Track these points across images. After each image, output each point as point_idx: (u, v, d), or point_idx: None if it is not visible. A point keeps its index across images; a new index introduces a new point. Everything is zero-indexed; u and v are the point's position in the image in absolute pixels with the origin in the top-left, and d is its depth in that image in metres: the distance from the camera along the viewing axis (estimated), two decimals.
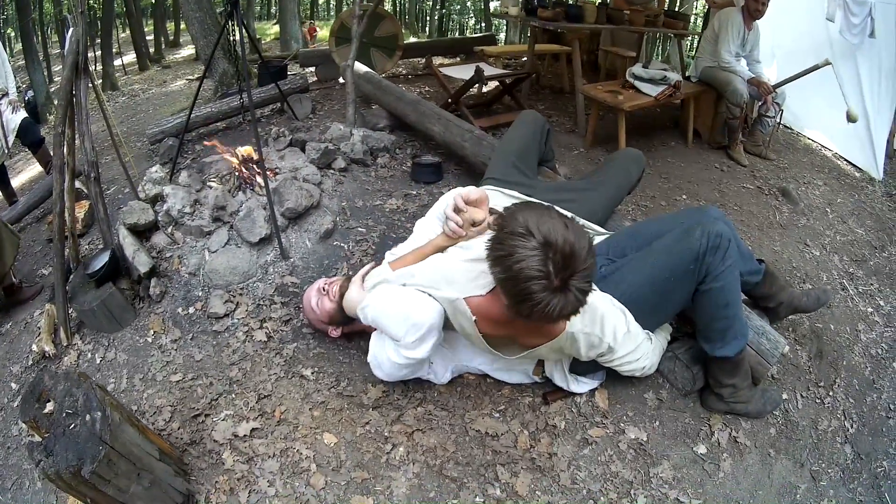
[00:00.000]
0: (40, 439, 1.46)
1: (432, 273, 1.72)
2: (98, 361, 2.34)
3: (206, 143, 3.09)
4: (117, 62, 10.46)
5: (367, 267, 2.00)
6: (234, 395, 2.09)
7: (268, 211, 2.60)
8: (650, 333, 1.90)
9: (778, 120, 4.15)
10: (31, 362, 2.40)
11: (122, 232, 2.60)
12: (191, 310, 2.43)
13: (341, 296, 2.02)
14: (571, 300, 1.34)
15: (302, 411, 2.02)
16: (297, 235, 2.70)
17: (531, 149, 2.45)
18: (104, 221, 2.51)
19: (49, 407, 1.52)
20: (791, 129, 5.01)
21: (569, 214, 1.51)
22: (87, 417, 1.46)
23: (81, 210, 3.18)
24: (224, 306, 2.38)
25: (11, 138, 3.99)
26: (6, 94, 3.99)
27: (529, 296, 1.32)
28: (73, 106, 2.34)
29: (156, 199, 2.88)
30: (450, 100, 4.18)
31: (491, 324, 1.68)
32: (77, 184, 3.44)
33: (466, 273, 1.68)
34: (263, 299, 2.43)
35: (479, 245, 1.66)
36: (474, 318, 1.66)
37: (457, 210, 1.80)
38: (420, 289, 1.70)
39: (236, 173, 2.95)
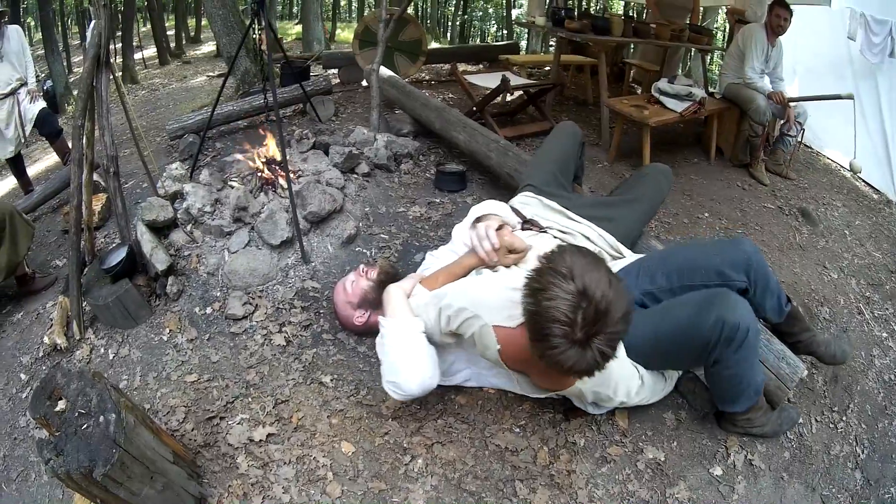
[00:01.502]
0: (49, 436, 1.42)
1: (464, 294, 1.67)
2: (111, 357, 2.29)
3: (239, 156, 3.03)
4: (137, 56, 10.50)
5: (410, 283, 1.89)
6: (250, 399, 2.03)
7: (290, 214, 2.56)
8: (666, 373, 1.88)
9: (799, 139, 4.12)
10: (41, 354, 2.36)
11: (140, 228, 2.56)
12: (208, 310, 2.38)
13: (379, 283, 2.03)
14: (588, 359, 1.29)
15: (320, 418, 1.96)
16: (318, 240, 2.66)
17: (570, 161, 2.40)
18: (122, 216, 2.48)
19: (61, 405, 1.47)
20: (811, 147, 4.95)
21: (617, 273, 1.42)
22: (101, 419, 1.41)
23: (98, 203, 3.15)
24: (242, 308, 2.33)
25: (29, 128, 3.96)
26: (25, 84, 3.97)
27: (548, 338, 1.29)
28: (93, 99, 2.30)
29: (175, 197, 2.84)
30: (474, 108, 4.14)
31: (514, 357, 1.65)
32: (94, 176, 3.46)
33: (501, 300, 1.62)
34: (283, 303, 2.38)
35: (521, 274, 1.61)
36: (499, 346, 1.63)
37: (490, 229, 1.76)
38: (448, 311, 1.67)
39: (258, 174, 2.91)
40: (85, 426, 1.40)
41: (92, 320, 2.43)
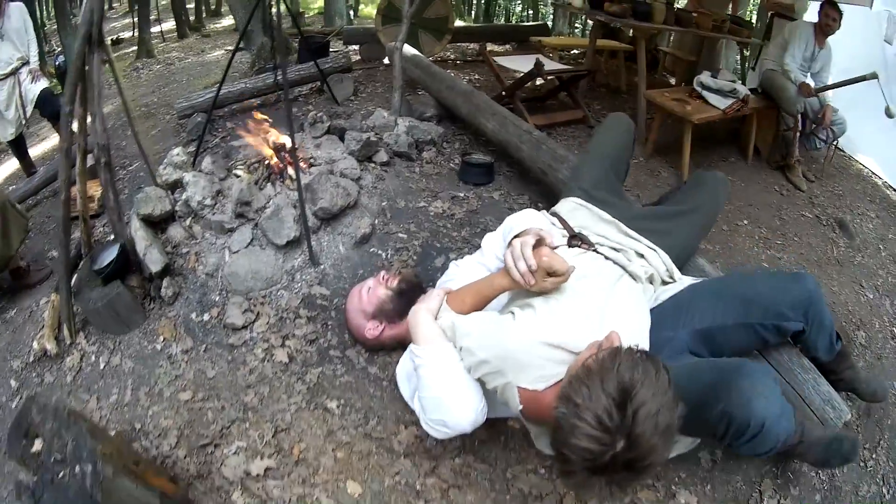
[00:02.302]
0: (27, 478, 1.31)
1: (489, 343, 1.42)
2: (102, 367, 2.10)
3: (240, 132, 2.80)
4: (155, 29, 10.26)
5: (436, 302, 1.61)
6: (248, 425, 1.82)
7: (298, 210, 2.31)
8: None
9: (830, 147, 3.95)
10: (32, 359, 2.18)
11: (134, 223, 2.34)
12: (206, 316, 2.17)
13: (399, 292, 1.83)
14: (600, 489, 1.09)
15: (324, 451, 1.74)
16: (329, 238, 2.41)
17: (623, 160, 2.14)
18: (114, 211, 2.25)
19: (37, 445, 1.37)
20: (843, 151, 4.69)
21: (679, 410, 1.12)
22: (77, 469, 1.29)
23: (97, 189, 2.94)
24: (243, 316, 2.11)
25: (30, 109, 3.77)
26: (27, 63, 3.77)
27: (564, 453, 1.09)
28: (84, 82, 2.06)
29: (175, 186, 2.62)
30: (503, 92, 3.82)
31: (537, 416, 1.45)
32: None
33: (531, 357, 1.38)
34: (287, 311, 2.15)
35: (564, 333, 1.38)
36: (521, 406, 1.40)
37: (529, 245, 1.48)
38: (470, 358, 1.43)
39: (266, 162, 2.66)
40: (61, 474, 1.30)
41: (84, 323, 2.24)
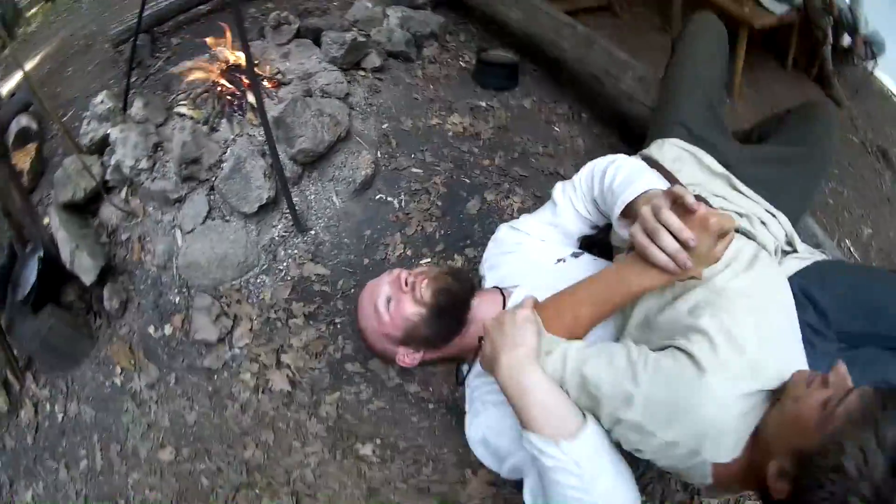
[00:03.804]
0: None
1: (679, 415, 0.82)
2: (60, 419, 1.60)
3: (189, 63, 2.02)
4: None
5: (531, 330, 0.92)
6: (258, 491, 1.30)
7: (268, 158, 1.62)
8: None
9: (869, 67, 3.40)
10: None
11: (54, 217, 1.71)
12: (166, 329, 1.59)
13: (439, 310, 1.10)
14: None
15: None
16: (316, 190, 1.73)
17: (720, 81, 1.59)
18: (24, 212, 1.63)
19: None
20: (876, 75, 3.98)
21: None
22: None
23: (26, 158, 2.28)
24: (215, 327, 1.51)
25: None
26: None
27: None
28: None
29: (104, 146, 1.93)
30: None
31: (727, 486, 0.91)
32: (24, 120, 2.47)
33: (730, 417, 0.82)
34: (275, 308, 1.53)
35: (767, 370, 0.84)
36: (711, 481, 0.86)
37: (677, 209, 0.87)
38: (634, 432, 0.85)
39: (217, 90, 1.92)
40: None
41: (28, 361, 1.70)
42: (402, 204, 1.69)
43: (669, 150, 1.33)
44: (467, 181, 1.74)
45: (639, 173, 1.04)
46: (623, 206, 0.97)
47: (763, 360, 0.85)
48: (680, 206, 0.83)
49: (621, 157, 1.14)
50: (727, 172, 1.28)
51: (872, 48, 3.30)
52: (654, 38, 3.22)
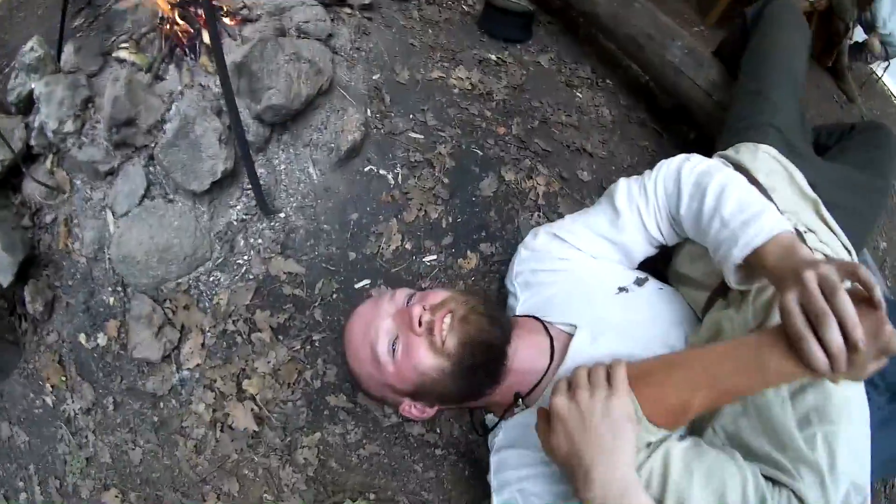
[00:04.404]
0: None
1: None
2: None
3: None
4: None
5: (622, 396, 0.66)
6: None
7: (226, 117, 1.25)
8: None
9: (884, 68, 3.53)
10: None
11: None
12: (100, 339, 1.24)
13: (470, 366, 0.81)
14: None
15: None
16: (288, 158, 1.36)
17: (804, 80, 1.40)
18: None
19: None
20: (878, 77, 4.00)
21: None
22: None
23: None
24: (158, 341, 1.17)
25: None
26: None
27: None
28: None
29: (30, 105, 1.55)
30: None
31: None
32: None
33: None
34: (234, 317, 1.18)
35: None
36: None
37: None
38: None
39: (166, 28, 1.53)
40: None
41: None
42: (399, 179, 1.31)
43: (764, 160, 1.12)
44: (479, 153, 1.36)
45: (757, 200, 0.83)
46: (749, 252, 0.76)
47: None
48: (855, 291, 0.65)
49: (711, 162, 0.91)
50: (816, 196, 1.13)
51: (887, 49, 3.39)
52: (672, 3, 2.96)
